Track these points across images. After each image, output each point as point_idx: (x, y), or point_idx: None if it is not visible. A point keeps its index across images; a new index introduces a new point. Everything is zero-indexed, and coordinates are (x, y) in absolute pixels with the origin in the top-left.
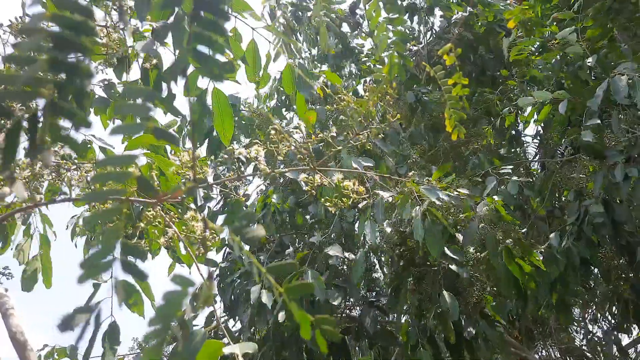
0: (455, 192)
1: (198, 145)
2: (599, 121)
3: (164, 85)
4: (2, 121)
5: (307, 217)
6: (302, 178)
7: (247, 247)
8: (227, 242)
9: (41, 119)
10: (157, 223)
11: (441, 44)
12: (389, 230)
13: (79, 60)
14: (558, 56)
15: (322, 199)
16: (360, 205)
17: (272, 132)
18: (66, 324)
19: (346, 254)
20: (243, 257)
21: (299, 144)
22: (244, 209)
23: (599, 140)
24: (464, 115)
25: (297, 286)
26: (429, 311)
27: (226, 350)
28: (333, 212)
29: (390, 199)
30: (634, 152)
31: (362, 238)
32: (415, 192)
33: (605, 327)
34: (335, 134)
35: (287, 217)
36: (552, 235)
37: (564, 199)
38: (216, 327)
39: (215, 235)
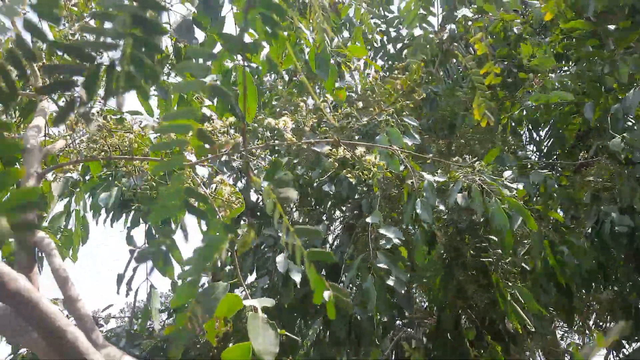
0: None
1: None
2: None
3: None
4: (85, 65)
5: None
6: (326, 150)
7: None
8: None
9: (118, 68)
10: (189, 183)
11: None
12: (442, 207)
13: (156, 17)
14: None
15: (344, 171)
16: (407, 182)
17: (301, 104)
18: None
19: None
20: (274, 216)
21: (325, 117)
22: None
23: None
24: (492, 104)
25: (319, 252)
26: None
27: (246, 303)
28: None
29: (438, 180)
30: None
31: (412, 220)
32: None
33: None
34: (360, 108)
35: (310, 190)
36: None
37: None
38: (237, 280)
39: (240, 200)
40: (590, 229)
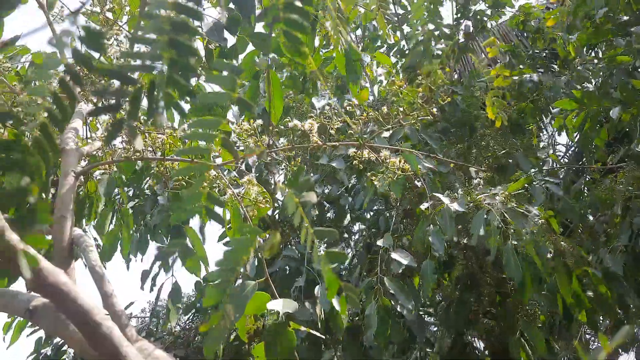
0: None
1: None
2: None
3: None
4: (129, 88)
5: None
6: (352, 152)
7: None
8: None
9: (157, 88)
10: (217, 184)
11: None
12: (455, 238)
13: (189, 41)
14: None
15: (369, 174)
16: (422, 207)
17: (327, 107)
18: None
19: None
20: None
21: (351, 120)
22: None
23: None
24: (505, 103)
25: (335, 253)
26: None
27: (269, 306)
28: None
29: (457, 209)
30: None
31: (423, 245)
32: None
33: None
34: (385, 114)
35: (326, 208)
36: (607, 255)
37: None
38: (264, 280)
39: (267, 200)
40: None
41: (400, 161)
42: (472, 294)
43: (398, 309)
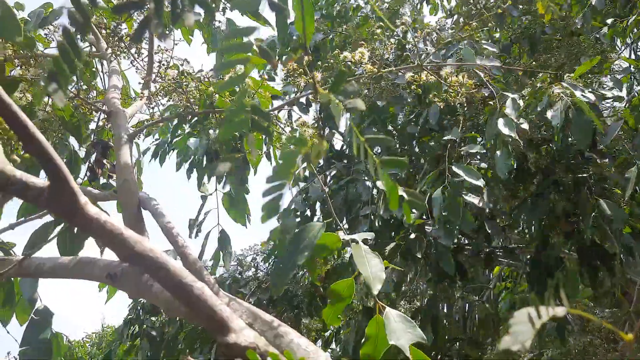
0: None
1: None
2: None
3: None
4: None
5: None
6: (408, 77)
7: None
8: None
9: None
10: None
11: None
12: (526, 126)
13: None
14: None
15: (431, 95)
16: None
17: (378, 30)
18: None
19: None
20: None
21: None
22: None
23: None
24: None
25: (391, 160)
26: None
27: (345, 237)
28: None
29: (520, 101)
30: None
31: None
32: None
33: None
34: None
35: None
36: None
37: None
38: (331, 220)
39: (323, 143)
40: None
41: (463, 77)
42: (551, 187)
43: (468, 198)
